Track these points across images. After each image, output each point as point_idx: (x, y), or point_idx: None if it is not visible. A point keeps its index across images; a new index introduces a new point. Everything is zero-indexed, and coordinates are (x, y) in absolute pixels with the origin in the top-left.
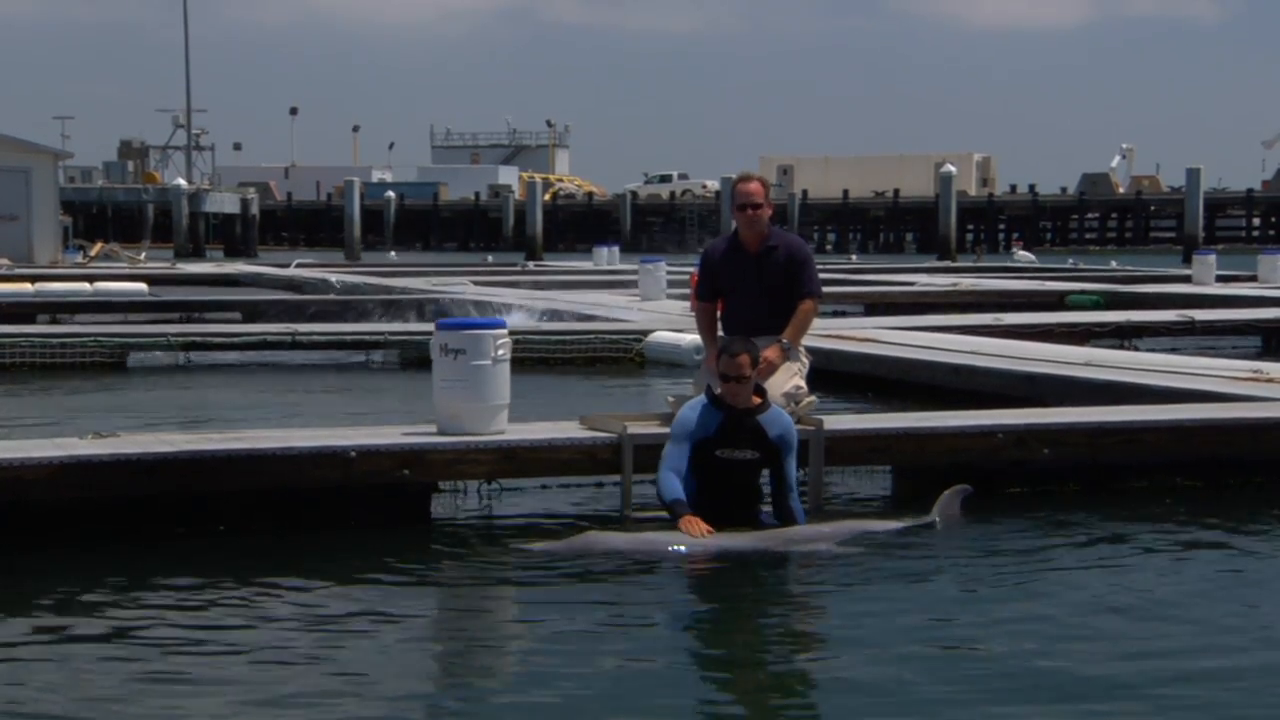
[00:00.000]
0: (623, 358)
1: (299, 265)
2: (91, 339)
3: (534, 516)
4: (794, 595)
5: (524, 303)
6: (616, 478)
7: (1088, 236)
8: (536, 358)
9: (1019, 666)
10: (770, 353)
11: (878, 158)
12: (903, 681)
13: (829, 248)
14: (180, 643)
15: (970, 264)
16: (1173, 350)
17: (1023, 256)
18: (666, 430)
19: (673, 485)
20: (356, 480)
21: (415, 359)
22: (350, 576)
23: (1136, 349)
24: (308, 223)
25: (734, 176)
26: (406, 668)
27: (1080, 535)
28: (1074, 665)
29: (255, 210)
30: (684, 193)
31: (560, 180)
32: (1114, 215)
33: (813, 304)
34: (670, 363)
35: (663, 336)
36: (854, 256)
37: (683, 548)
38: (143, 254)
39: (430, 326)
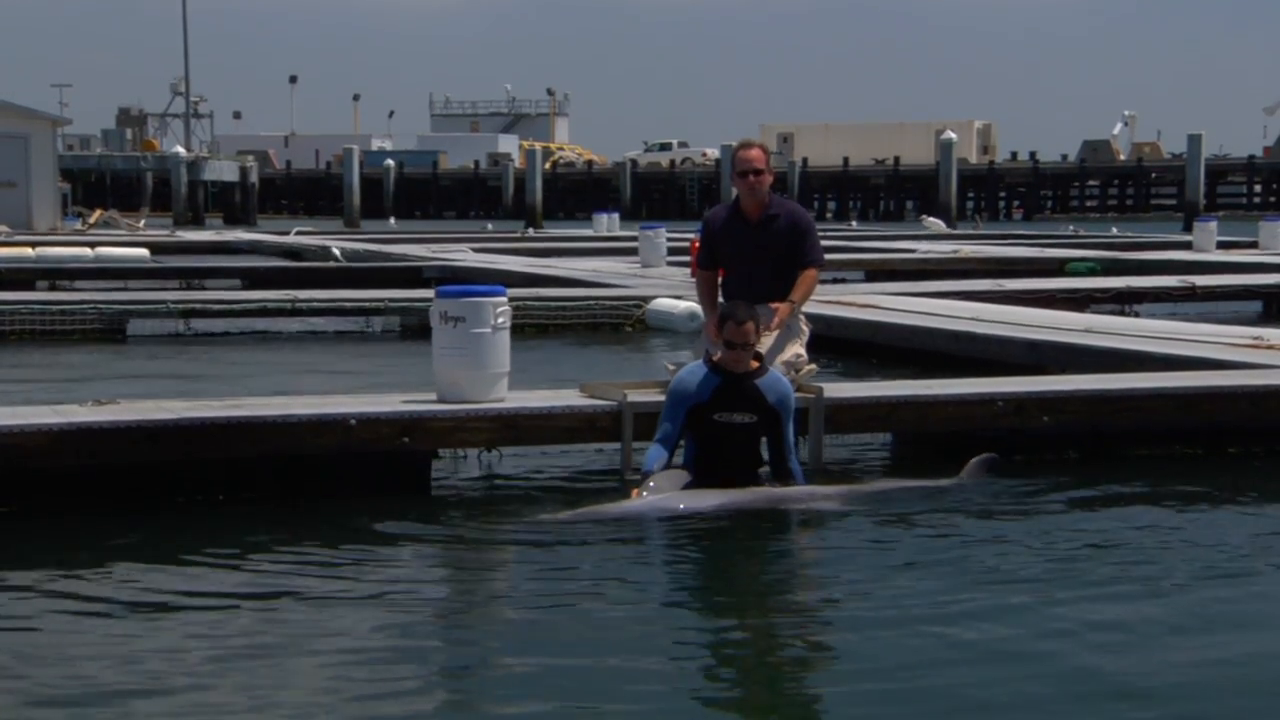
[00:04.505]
0: (622, 323)
1: (298, 233)
2: (91, 306)
3: (533, 484)
4: (800, 558)
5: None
6: (617, 445)
7: (1089, 204)
8: (536, 323)
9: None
10: (783, 309)
11: (878, 125)
12: (904, 649)
13: (829, 215)
14: (179, 609)
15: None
16: (1173, 315)
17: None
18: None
19: (651, 458)
20: (356, 448)
21: (416, 326)
22: (350, 544)
23: (1137, 315)
24: (307, 191)
25: (734, 144)
26: (404, 638)
27: (1080, 503)
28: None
29: (254, 178)
30: (684, 161)
31: (560, 148)
32: (1115, 182)
33: (816, 272)
34: (669, 329)
35: (663, 303)
36: (854, 223)
37: (699, 507)
38: (142, 221)
39: (430, 293)
